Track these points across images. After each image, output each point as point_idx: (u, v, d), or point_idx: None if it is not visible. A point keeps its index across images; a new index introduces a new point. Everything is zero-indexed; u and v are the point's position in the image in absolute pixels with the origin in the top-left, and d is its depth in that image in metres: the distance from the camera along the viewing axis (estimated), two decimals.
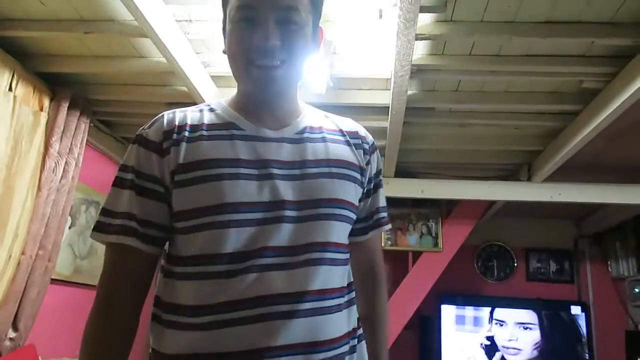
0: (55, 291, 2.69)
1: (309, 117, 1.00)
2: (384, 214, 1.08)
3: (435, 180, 3.57)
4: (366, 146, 1.02)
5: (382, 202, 1.08)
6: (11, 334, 2.31)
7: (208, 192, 0.84)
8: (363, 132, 1.05)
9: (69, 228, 2.84)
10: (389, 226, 1.09)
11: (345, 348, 0.89)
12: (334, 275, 0.90)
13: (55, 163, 2.50)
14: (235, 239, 0.83)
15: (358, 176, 0.97)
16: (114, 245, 0.88)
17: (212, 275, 0.83)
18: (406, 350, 4.12)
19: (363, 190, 1.00)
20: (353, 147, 1.00)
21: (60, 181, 2.54)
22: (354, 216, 0.96)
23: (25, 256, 2.34)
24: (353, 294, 0.97)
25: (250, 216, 0.84)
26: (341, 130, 1.01)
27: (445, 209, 3.99)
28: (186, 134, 0.90)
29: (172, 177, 0.87)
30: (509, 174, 3.61)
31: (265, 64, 0.88)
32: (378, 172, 1.05)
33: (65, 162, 2.57)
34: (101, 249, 1.02)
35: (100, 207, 0.92)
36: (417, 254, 3.92)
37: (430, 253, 3.86)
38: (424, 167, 3.62)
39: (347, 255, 0.95)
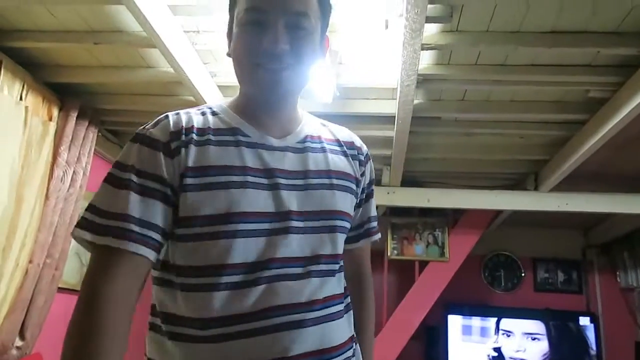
0: (62, 300, 2.70)
1: (309, 125, 1.00)
2: (375, 224, 1.09)
3: (441, 190, 3.57)
4: (362, 157, 1.03)
5: (373, 212, 1.09)
6: (18, 342, 2.32)
7: (216, 200, 0.82)
8: (358, 142, 1.06)
9: None
10: (379, 236, 1.10)
11: (350, 353, 0.91)
12: (335, 283, 0.92)
13: (64, 172, 2.52)
14: (242, 250, 0.82)
15: (354, 187, 0.99)
16: (107, 249, 0.79)
17: (220, 287, 0.81)
18: None
19: (357, 201, 1.01)
20: (350, 158, 1.00)
21: (68, 190, 2.56)
22: (349, 226, 0.98)
23: (32, 264, 2.35)
24: (349, 299, 0.98)
25: (257, 226, 0.84)
26: (338, 140, 1.02)
27: (451, 218, 3.98)
28: (194, 136, 0.87)
29: (181, 179, 0.83)
30: (516, 184, 3.60)
31: (273, 68, 0.87)
32: (370, 182, 1.06)
33: (74, 171, 2.59)
34: None
35: (88, 204, 0.83)
36: (423, 264, 3.91)
37: (437, 263, 3.85)
38: (430, 177, 3.61)
39: (342, 263, 0.97)
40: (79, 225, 0.82)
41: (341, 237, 0.94)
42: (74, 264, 2.87)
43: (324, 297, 0.87)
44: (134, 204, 0.81)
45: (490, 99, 2.53)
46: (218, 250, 0.82)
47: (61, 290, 2.65)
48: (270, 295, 0.82)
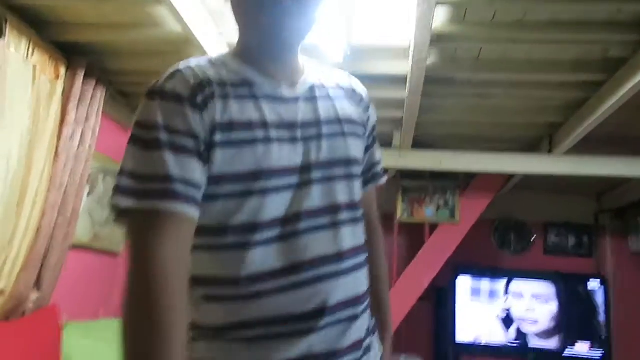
0: (75, 257, 2.75)
1: (312, 74, 0.97)
2: (380, 167, 1.10)
3: (453, 152, 3.52)
4: (364, 103, 1.02)
5: (379, 156, 1.09)
6: (34, 295, 2.37)
7: (244, 157, 0.80)
8: (359, 87, 1.04)
9: (87, 196, 2.88)
10: (385, 179, 1.11)
11: (368, 299, 0.94)
12: (360, 232, 0.93)
13: (72, 131, 2.52)
14: (273, 207, 0.81)
15: (362, 132, 0.98)
16: (153, 213, 0.74)
17: (252, 245, 0.80)
18: (421, 321, 4.15)
19: (364, 146, 1.00)
20: (354, 103, 0.99)
21: (77, 149, 2.56)
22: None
23: (44, 223, 2.37)
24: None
25: (285, 182, 0.83)
26: (341, 87, 1.00)
27: (463, 182, 3.95)
28: (215, 89, 0.82)
29: (211, 135, 0.79)
30: (530, 147, 3.54)
31: (275, 12, 0.84)
32: (374, 127, 1.06)
33: (82, 130, 2.59)
34: None
35: (119, 170, 0.78)
36: (433, 227, 3.91)
37: (447, 225, 3.85)
38: (442, 139, 3.56)
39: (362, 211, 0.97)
40: (117, 192, 0.76)
41: (357, 184, 0.94)
42: (86, 223, 2.91)
43: (353, 247, 0.89)
44: (172, 163, 0.76)
45: (506, 58, 2.45)
46: (250, 208, 0.80)
47: (74, 247, 2.70)
48: (301, 249, 0.82)
